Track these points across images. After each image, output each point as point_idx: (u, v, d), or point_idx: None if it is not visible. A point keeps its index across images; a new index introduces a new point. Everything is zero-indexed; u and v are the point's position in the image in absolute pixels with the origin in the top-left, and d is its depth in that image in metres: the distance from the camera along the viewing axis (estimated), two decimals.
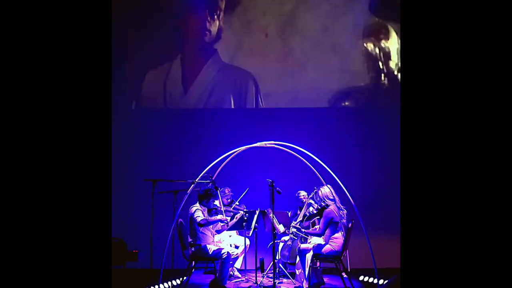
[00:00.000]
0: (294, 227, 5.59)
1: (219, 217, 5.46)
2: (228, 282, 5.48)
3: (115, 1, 4.96)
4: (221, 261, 5.20)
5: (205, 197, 5.41)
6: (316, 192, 5.41)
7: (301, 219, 5.67)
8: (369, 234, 5.14)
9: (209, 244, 5.31)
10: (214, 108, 7.67)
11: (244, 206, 6.23)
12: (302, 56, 7.65)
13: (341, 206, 5.21)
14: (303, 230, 5.47)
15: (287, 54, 7.70)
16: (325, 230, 5.16)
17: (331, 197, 5.25)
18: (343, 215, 5.17)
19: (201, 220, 5.21)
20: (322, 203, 5.24)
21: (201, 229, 5.29)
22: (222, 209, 5.65)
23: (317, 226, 5.64)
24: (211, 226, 5.46)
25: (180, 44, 7.80)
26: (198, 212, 5.28)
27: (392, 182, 6.56)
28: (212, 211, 5.58)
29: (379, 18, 7.61)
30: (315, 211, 5.47)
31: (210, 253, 5.25)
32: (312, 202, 5.78)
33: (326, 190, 5.30)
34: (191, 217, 5.30)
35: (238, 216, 5.65)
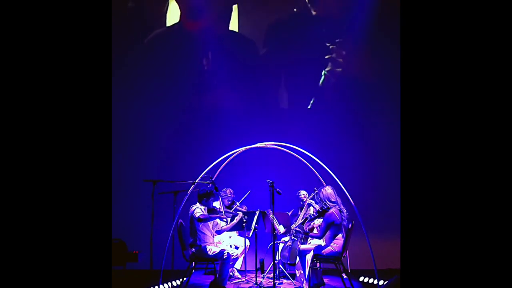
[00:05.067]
0: (295, 230, 5.58)
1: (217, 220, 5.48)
2: (228, 283, 5.48)
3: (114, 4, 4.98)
4: (221, 261, 5.20)
5: (205, 196, 5.41)
6: (317, 193, 5.38)
7: (301, 221, 5.65)
8: (369, 235, 5.13)
9: (209, 244, 5.31)
10: (214, 108, 7.66)
11: (246, 207, 6.23)
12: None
13: (343, 209, 5.17)
14: (303, 232, 5.45)
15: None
16: (325, 233, 5.15)
17: (333, 199, 5.18)
18: (344, 217, 5.14)
19: (200, 215, 5.20)
20: (324, 205, 5.19)
21: (200, 227, 5.28)
22: (222, 210, 5.65)
23: (315, 229, 5.65)
24: (211, 226, 5.46)
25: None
26: (198, 209, 5.28)
27: (392, 182, 6.57)
28: (212, 211, 5.58)
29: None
30: (315, 214, 5.44)
31: (210, 253, 5.24)
32: (313, 202, 5.77)
33: (328, 191, 5.24)
34: (191, 216, 5.30)
35: (237, 218, 5.64)
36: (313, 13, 7.68)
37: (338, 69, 7.48)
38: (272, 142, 5.91)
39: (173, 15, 7.75)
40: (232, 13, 7.80)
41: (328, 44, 7.62)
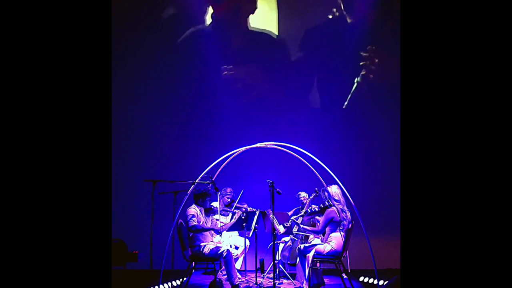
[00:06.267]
0: (293, 221, 5.56)
1: (215, 220, 5.47)
2: (228, 283, 5.47)
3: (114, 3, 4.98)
4: (224, 260, 5.17)
5: (200, 196, 5.40)
6: (323, 190, 5.40)
7: (302, 213, 5.66)
8: (369, 235, 5.14)
9: (208, 244, 5.30)
10: (215, 108, 7.66)
11: (246, 205, 6.21)
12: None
13: (345, 209, 5.17)
14: (301, 226, 5.44)
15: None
16: (325, 228, 5.16)
17: (337, 198, 5.21)
18: (345, 217, 5.14)
19: (193, 226, 5.19)
20: (326, 202, 5.24)
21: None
22: (219, 209, 5.64)
23: (317, 223, 5.66)
24: (210, 226, 5.45)
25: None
26: (193, 216, 5.26)
27: (392, 183, 6.57)
28: (209, 211, 5.57)
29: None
30: (317, 209, 5.46)
31: (209, 253, 5.23)
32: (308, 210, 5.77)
33: (334, 190, 5.25)
34: (187, 221, 5.30)
35: (236, 216, 5.63)
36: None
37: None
38: (272, 142, 5.91)
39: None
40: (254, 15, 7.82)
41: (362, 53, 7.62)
